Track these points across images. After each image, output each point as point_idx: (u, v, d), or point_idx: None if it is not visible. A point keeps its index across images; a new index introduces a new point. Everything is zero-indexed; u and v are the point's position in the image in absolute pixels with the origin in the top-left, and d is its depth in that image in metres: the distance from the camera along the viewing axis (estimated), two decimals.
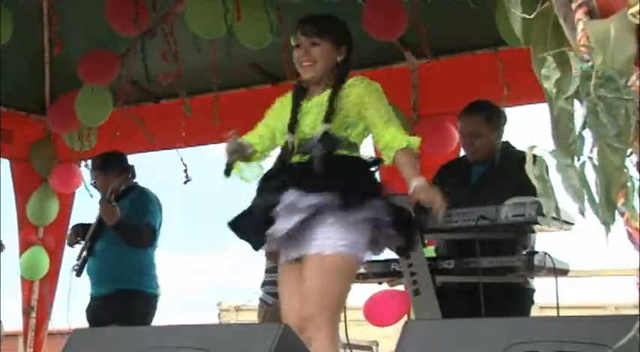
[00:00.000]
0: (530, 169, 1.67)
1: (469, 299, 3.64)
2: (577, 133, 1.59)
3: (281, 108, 3.38)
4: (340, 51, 3.30)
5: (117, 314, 4.79)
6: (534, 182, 1.67)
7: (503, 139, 4.15)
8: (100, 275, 5.01)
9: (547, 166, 1.65)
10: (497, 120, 4.11)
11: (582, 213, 1.69)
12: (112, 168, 5.14)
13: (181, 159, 5.56)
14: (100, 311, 4.94)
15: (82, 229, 5.18)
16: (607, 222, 1.58)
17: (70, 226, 5.42)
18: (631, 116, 1.51)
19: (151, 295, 5.06)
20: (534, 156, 1.67)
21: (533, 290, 3.98)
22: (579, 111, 1.59)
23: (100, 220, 5.01)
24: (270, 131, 3.37)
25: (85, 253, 5.08)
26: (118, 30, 5.15)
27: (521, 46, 1.88)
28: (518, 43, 1.89)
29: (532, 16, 1.76)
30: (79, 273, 5.13)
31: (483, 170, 4.06)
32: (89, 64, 5.44)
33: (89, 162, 5.34)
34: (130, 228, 4.93)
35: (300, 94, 3.34)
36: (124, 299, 4.94)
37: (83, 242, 5.11)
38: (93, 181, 5.21)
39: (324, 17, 3.37)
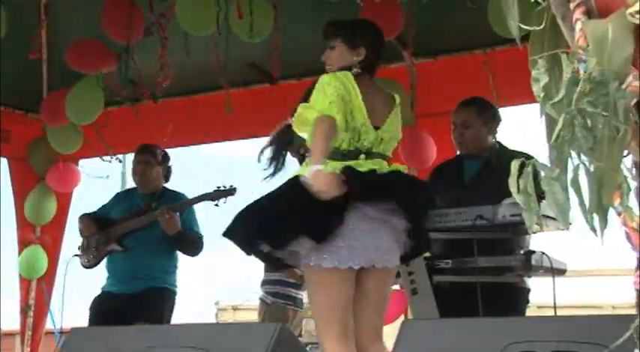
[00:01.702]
0: (513, 183, 1.66)
1: (465, 298, 3.64)
2: (558, 141, 1.59)
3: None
4: (357, 52, 3.25)
5: (149, 313, 4.74)
6: (515, 196, 1.67)
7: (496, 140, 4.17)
8: (130, 272, 4.90)
9: (532, 180, 1.65)
10: (489, 114, 4.13)
11: (567, 228, 1.70)
12: (167, 165, 5.09)
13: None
14: (124, 310, 4.78)
15: (96, 220, 5.06)
16: (599, 227, 1.58)
17: (81, 216, 5.22)
18: (625, 118, 1.51)
19: (174, 292, 5.01)
20: (523, 166, 1.67)
21: (528, 290, 3.99)
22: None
23: (131, 216, 4.95)
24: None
25: (108, 248, 5.00)
26: (113, 37, 5.15)
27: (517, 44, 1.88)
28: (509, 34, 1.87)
29: (529, 16, 1.77)
30: (92, 266, 5.04)
31: (476, 169, 4.08)
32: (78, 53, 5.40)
33: (153, 149, 5.11)
34: (187, 240, 4.88)
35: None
36: (157, 298, 4.87)
37: (98, 235, 5.00)
38: (141, 169, 5.03)
39: (339, 22, 3.34)
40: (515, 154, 3.67)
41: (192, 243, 4.93)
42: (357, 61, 3.24)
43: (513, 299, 3.89)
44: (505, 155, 3.93)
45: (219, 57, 5.07)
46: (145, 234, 4.88)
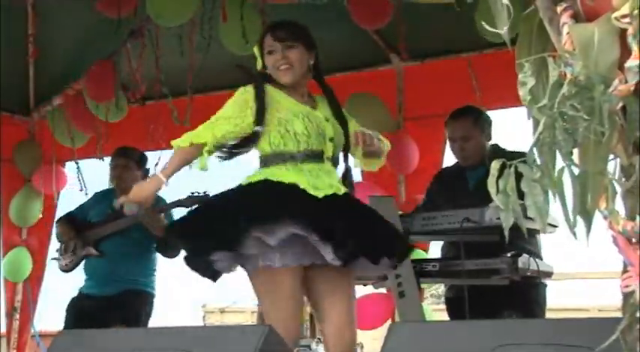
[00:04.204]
0: (492, 183, 1.67)
1: (484, 299, 3.69)
2: (537, 145, 1.59)
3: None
4: (312, 55, 3.23)
5: (125, 315, 4.72)
6: (494, 197, 1.67)
7: (492, 142, 4.16)
8: (109, 275, 4.87)
9: (514, 180, 1.66)
10: (483, 122, 4.12)
11: (544, 231, 1.71)
12: (145, 167, 4.98)
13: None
14: (102, 313, 4.81)
15: (74, 224, 5.03)
16: (584, 230, 1.59)
17: (58, 220, 5.20)
18: (610, 122, 1.52)
19: (152, 295, 4.98)
20: (504, 167, 1.68)
21: (544, 285, 3.99)
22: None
23: (108, 220, 4.92)
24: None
25: (84, 252, 4.97)
26: (103, 10, 5.10)
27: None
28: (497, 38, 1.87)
29: (518, 18, 1.77)
30: (70, 270, 5.03)
31: (479, 174, 4.06)
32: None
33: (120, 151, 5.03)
34: (170, 244, 4.80)
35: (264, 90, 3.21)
36: (134, 301, 4.84)
37: (75, 239, 4.99)
38: (118, 172, 4.94)
39: (292, 22, 3.30)
40: (513, 155, 3.66)
41: (174, 248, 4.80)
42: (311, 64, 3.24)
43: (531, 297, 3.88)
44: (503, 156, 3.91)
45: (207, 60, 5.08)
46: (121, 239, 4.85)
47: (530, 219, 1.66)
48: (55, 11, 5.46)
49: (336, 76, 5.49)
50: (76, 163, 6.02)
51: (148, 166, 5.02)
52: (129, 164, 4.95)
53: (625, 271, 1.57)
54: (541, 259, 3.94)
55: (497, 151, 4.07)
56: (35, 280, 6.27)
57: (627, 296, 1.57)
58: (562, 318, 2.52)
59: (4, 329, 6.41)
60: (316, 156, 3.11)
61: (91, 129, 5.80)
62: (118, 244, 4.86)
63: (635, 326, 1.55)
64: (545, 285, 3.98)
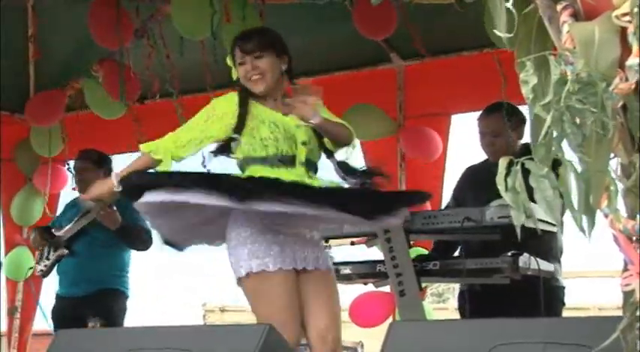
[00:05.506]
0: (500, 181, 1.67)
1: (497, 299, 3.71)
2: (545, 140, 1.59)
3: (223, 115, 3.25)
4: (283, 60, 3.26)
5: (98, 314, 4.76)
6: (503, 194, 1.68)
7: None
8: (79, 275, 4.97)
9: (521, 177, 1.66)
10: (516, 120, 4.04)
11: (557, 224, 1.71)
12: (107, 167, 5.07)
13: None
14: (75, 312, 4.88)
15: (46, 231, 5.14)
16: (587, 228, 1.59)
17: (33, 229, 5.37)
18: (613, 118, 1.52)
19: (126, 294, 5.09)
20: (510, 165, 1.68)
21: (562, 288, 3.98)
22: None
23: (79, 220, 4.98)
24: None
25: (56, 254, 5.04)
26: (100, 43, 5.15)
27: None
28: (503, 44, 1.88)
29: (517, 18, 1.77)
30: (46, 274, 5.12)
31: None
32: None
33: (79, 157, 5.20)
34: (132, 234, 4.89)
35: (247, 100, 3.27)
36: (106, 298, 4.94)
37: (48, 245, 5.08)
38: (79, 176, 5.10)
39: (260, 31, 3.38)
40: None
41: (138, 237, 4.92)
42: (284, 69, 3.27)
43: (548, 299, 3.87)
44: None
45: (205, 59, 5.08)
46: (90, 239, 4.95)
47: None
48: (55, 11, 5.45)
49: (337, 75, 5.52)
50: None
51: (111, 165, 5.12)
52: (86, 166, 5.08)
53: (625, 270, 1.57)
54: (559, 259, 3.95)
55: (529, 150, 3.97)
56: (36, 279, 6.27)
57: (627, 294, 1.57)
58: (560, 317, 2.53)
59: (4, 329, 6.42)
60: (287, 161, 3.14)
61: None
62: (86, 244, 4.97)
63: (636, 325, 1.55)
64: (563, 287, 3.97)
